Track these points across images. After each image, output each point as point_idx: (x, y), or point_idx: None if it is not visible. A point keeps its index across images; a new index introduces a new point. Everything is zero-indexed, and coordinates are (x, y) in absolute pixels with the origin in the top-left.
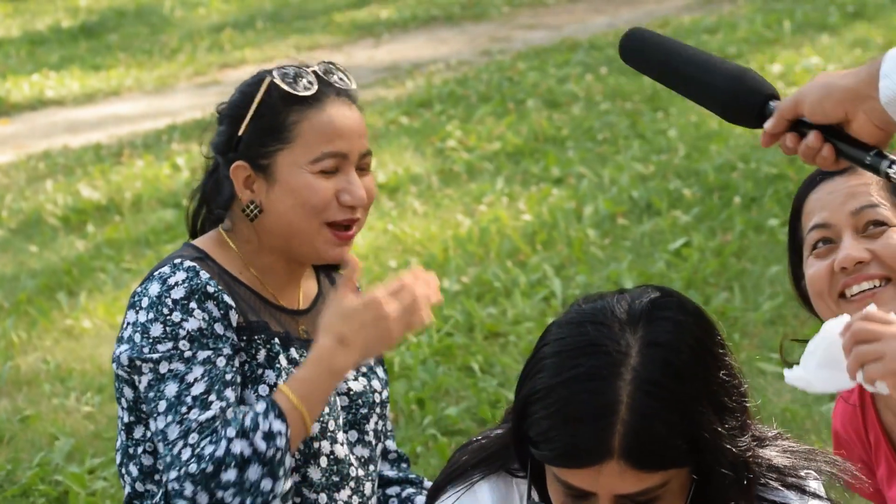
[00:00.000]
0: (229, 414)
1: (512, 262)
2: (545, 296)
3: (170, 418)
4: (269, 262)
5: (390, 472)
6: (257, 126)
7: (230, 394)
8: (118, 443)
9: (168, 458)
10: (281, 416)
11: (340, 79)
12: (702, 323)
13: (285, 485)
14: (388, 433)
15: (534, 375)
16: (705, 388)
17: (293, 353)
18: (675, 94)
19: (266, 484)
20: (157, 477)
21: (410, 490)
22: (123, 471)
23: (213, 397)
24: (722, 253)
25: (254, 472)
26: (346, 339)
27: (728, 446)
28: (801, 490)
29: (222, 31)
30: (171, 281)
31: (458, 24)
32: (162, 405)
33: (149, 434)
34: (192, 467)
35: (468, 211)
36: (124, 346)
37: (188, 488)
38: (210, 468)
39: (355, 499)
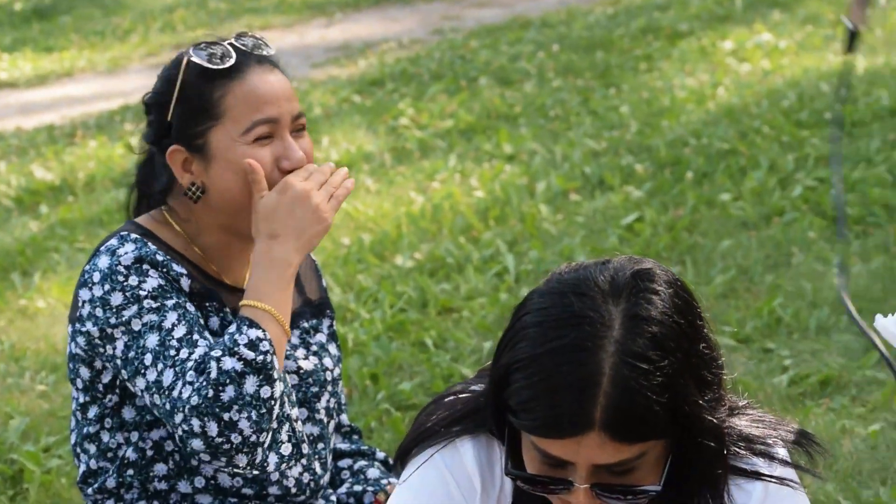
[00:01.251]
0: (203, 342)
1: (465, 238)
2: (498, 271)
3: (160, 366)
4: (212, 240)
5: (342, 445)
6: (184, 108)
7: (208, 335)
8: (72, 423)
9: (168, 405)
10: (253, 324)
11: (257, 45)
12: (683, 295)
13: (282, 386)
14: (342, 407)
15: (515, 345)
16: (686, 361)
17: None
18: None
19: (265, 391)
20: (110, 455)
21: (362, 462)
22: (79, 450)
23: (196, 336)
24: (674, 228)
25: (251, 383)
26: (274, 230)
27: (707, 417)
28: (770, 457)
29: (175, 11)
30: (120, 251)
31: (409, 2)
32: (148, 358)
33: (100, 412)
34: (194, 399)
35: (421, 188)
36: (88, 323)
37: (195, 423)
38: (210, 392)
39: (306, 476)
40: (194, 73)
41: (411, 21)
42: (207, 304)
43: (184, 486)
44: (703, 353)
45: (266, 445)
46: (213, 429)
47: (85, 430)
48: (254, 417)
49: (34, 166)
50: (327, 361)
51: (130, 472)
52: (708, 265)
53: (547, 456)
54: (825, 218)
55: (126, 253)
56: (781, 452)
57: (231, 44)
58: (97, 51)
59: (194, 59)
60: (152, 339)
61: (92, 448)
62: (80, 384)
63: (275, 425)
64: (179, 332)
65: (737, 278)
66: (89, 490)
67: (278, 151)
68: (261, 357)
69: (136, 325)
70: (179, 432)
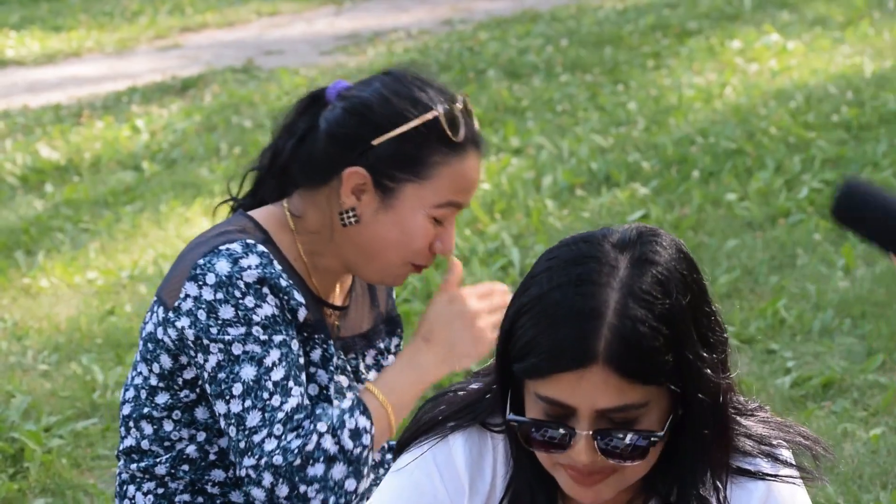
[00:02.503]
0: (318, 409)
1: (470, 230)
2: (503, 265)
3: (248, 403)
4: (326, 261)
5: None
6: (399, 149)
7: (303, 377)
8: (129, 394)
9: (243, 444)
10: (366, 412)
11: (477, 126)
12: (688, 255)
13: (366, 483)
14: None
15: (522, 293)
16: (690, 309)
17: (335, 358)
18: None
19: (350, 483)
20: (167, 444)
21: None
22: (131, 424)
23: (292, 383)
24: (679, 226)
25: (339, 470)
26: (431, 335)
27: (708, 372)
28: (774, 458)
29: None
30: (244, 263)
31: None
32: (237, 388)
33: (172, 402)
34: (278, 459)
35: None
36: (185, 321)
37: (268, 479)
38: (298, 461)
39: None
40: (432, 128)
41: (421, 11)
42: (316, 336)
43: (236, 497)
44: (706, 311)
45: None
46: (283, 491)
47: (145, 410)
48: (328, 501)
49: (40, 145)
50: None
51: (185, 467)
52: (713, 265)
53: (550, 403)
54: (830, 220)
55: (250, 268)
56: (786, 454)
57: (463, 111)
58: (105, 31)
59: (442, 121)
60: (248, 371)
61: (148, 429)
62: (156, 368)
63: None
64: (278, 374)
65: (741, 279)
66: (132, 465)
67: (440, 233)
68: (358, 450)
69: (237, 350)
70: (244, 474)
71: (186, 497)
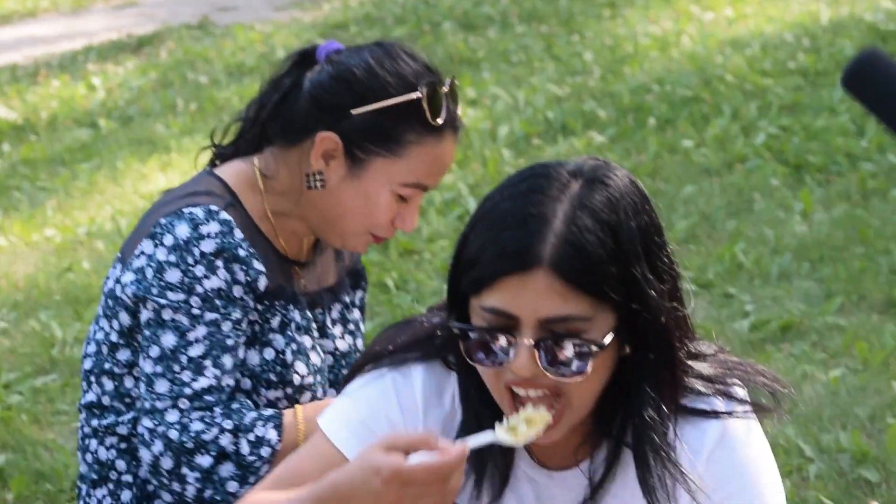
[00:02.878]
0: (234, 405)
1: None
2: (460, 214)
3: (159, 369)
4: (292, 222)
5: None
6: (375, 122)
7: (227, 361)
8: (90, 349)
9: (147, 405)
10: (279, 427)
11: (459, 111)
12: (643, 192)
13: (244, 491)
14: None
15: (475, 211)
16: (641, 235)
17: (297, 316)
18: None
19: (233, 486)
20: (128, 400)
21: None
22: (93, 379)
23: (208, 362)
24: (637, 173)
25: (226, 469)
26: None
27: (654, 295)
28: (728, 396)
29: None
30: (203, 230)
31: None
32: (154, 351)
33: (132, 359)
34: (174, 433)
35: None
36: (131, 277)
37: (158, 446)
38: (191, 444)
39: None
40: (413, 107)
41: None
42: (277, 303)
43: (199, 457)
44: (656, 241)
45: None
46: (166, 464)
47: (106, 366)
48: (205, 494)
49: None
50: (360, 342)
51: None
52: (670, 211)
53: (493, 313)
54: (788, 165)
55: (209, 236)
56: (740, 392)
57: (448, 94)
58: None
59: (424, 103)
60: (169, 339)
61: (109, 385)
62: (115, 325)
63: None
64: (196, 350)
65: (699, 224)
66: (93, 420)
67: (402, 211)
68: (253, 458)
69: (167, 315)
70: (140, 431)
71: None
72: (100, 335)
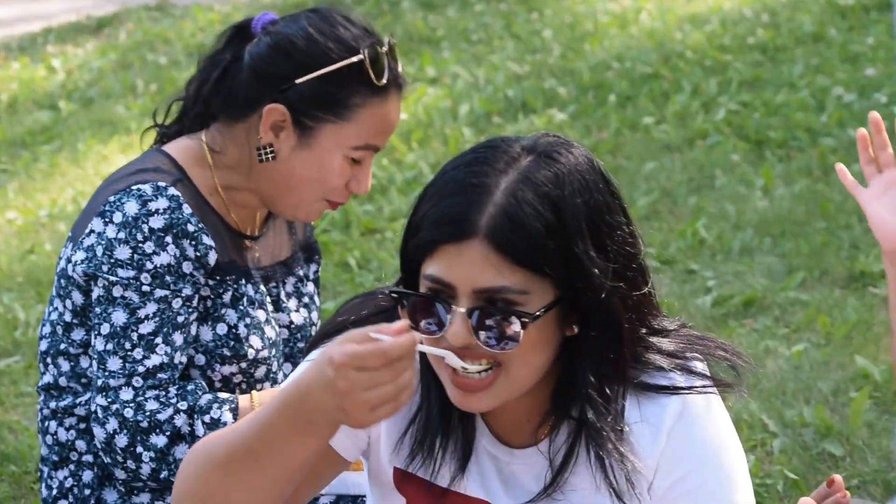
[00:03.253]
0: (189, 386)
1: (388, 159)
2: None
3: (110, 346)
4: (243, 195)
5: None
6: (321, 89)
7: (178, 337)
8: (45, 330)
9: (100, 383)
10: (234, 410)
11: (401, 69)
12: (600, 171)
13: None
14: None
15: (428, 183)
16: (588, 212)
17: (250, 290)
18: None
19: None
20: (84, 381)
21: None
22: (49, 360)
23: (159, 340)
24: (597, 150)
25: (181, 450)
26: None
27: (597, 273)
28: (688, 371)
29: None
30: (152, 206)
31: None
32: (105, 328)
33: (87, 338)
34: (129, 412)
35: None
36: (82, 255)
37: (112, 424)
38: (145, 424)
39: None
40: (355, 70)
41: None
42: (228, 278)
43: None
44: (607, 220)
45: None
46: (121, 442)
47: (62, 346)
48: (160, 474)
49: None
50: (314, 315)
51: None
52: (631, 187)
53: (432, 281)
54: (748, 141)
55: (157, 212)
56: (699, 366)
57: (388, 53)
58: None
59: (367, 64)
60: (119, 316)
61: (65, 365)
62: (69, 305)
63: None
64: (146, 328)
65: (660, 200)
66: (52, 402)
67: (356, 173)
68: None
69: (116, 293)
70: (93, 409)
71: None
72: (54, 316)
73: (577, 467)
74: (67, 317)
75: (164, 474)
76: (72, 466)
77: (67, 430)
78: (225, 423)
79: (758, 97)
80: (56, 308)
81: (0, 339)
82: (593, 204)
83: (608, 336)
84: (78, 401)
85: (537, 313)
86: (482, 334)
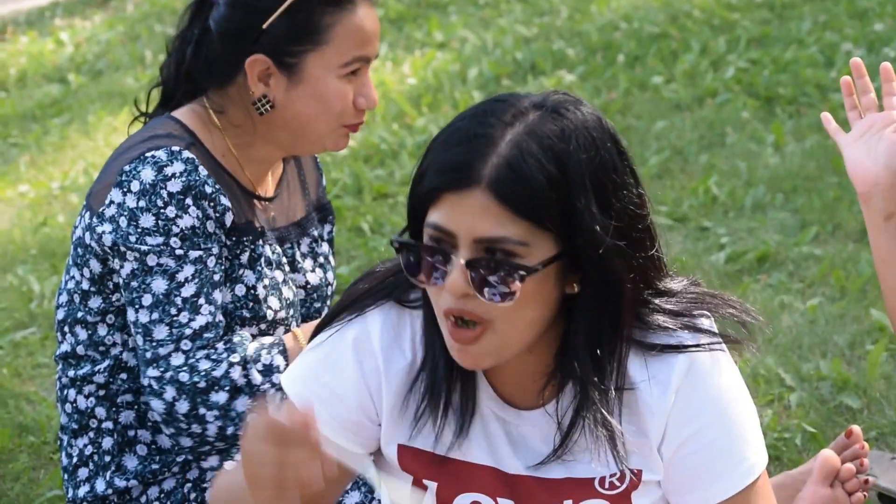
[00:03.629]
0: (235, 338)
1: (398, 124)
2: None
3: (155, 316)
4: (258, 150)
5: None
6: (289, 24)
7: (217, 296)
8: (62, 299)
9: (149, 355)
10: (284, 353)
11: None
12: (609, 129)
13: None
14: None
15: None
16: (593, 169)
17: (267, 251)
18: None
19: None
20: (102, 349)
21: None
22: (66, 329)
23: (202, 300)
24: (607, 110)
25: (242, 402)
26: None
27: (598, 230)
28: (695, 329)
29: None
30: (168, 171)
31: None
32: (147, 299)
33: (105, 307)
34: (184, 376)
35: None
36: (107, 226)
37: (170, 392)
38: (203, 384)
39: None
40: None
41: None
42: (244, 239)
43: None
44: (613, 178)
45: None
46: (182, 408)
47: (79, 315)
48: (227, 430)
49: None
50: (330, 275)
51: (124, 375)
52: (642, 147)
53: (434, 229)
54: (758, 98)
55: (174, 176)
56: (706, 322)
57: None
58: None
59: None
60: (160, 284)
61: (83, 334)
62: (87, 273)
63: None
64: (188, 290)
65: (671, 159)
66: (70, 371)
67: (358, 89)
68: (267, 386)
69: (152, 261)
70: (147, 383)
71: (129, 397)
72: (71, 284)
73: (584, 428)
74: (85, 285)
75: (230, 430)
76: (91, 434)
77: (87, 397)
78: (278, 367)
79: (766, 54)
80: (73, 277)
81: (15, 311)
82: (599, 161)
83: (609, 295)
84: (96, 368)
85: (536, 267)
86: (479, 286)
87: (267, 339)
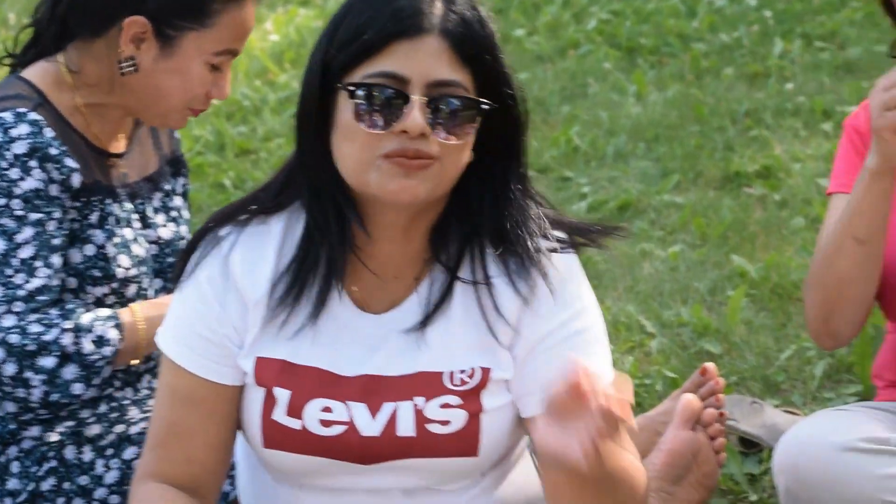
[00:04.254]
0: (70, 305)
1: (261, 81)
2: (294, 112)
3: None
4: (108, 110)
5: None
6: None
7: (56, 259)
8: None
9: None
10: (119, 326)
11: None
12: None
13: (93, 392)
14: None
15: (338, 11)
16: (495, 32)
17: (116, 209)
18: None
19: (78, 387)
20: None
21: None
22: None
23: (39, 263)
24: None
25: (70, 371)
26: None
27: (519, 95)
28: (550, 233)
29: None
30: (13, 132)
31: None
32: None
33: None
34: (14, 338)
35: None
36: None
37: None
38: (33, 347)
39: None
40: None
41: None
42: (94, 199)
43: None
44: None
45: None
46: (9, 370)
47: None
48: (51, 397)
49: None
50: (183, 229)
51: None
52: None
53: (383, 76)
54: (620, 49)
55: (20, 137)
56: (559, 233)
57: None
58: None
59: None
60: None
61: None
62: None
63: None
64: (26, 252)
65: (534, 110)
66: None
67: (216, 80)
68: (95, 357)
69: None
70: None
71: None
72: None
73: (449, 312)
74: None
75: (54, 397)
76: None
77: None
78: (110, 340)
79: (629, 5)
80: None
81: None
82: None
83: (496, 172)
84: None
85: (486, 105)
86: (437, 123)
87: (103, 311)
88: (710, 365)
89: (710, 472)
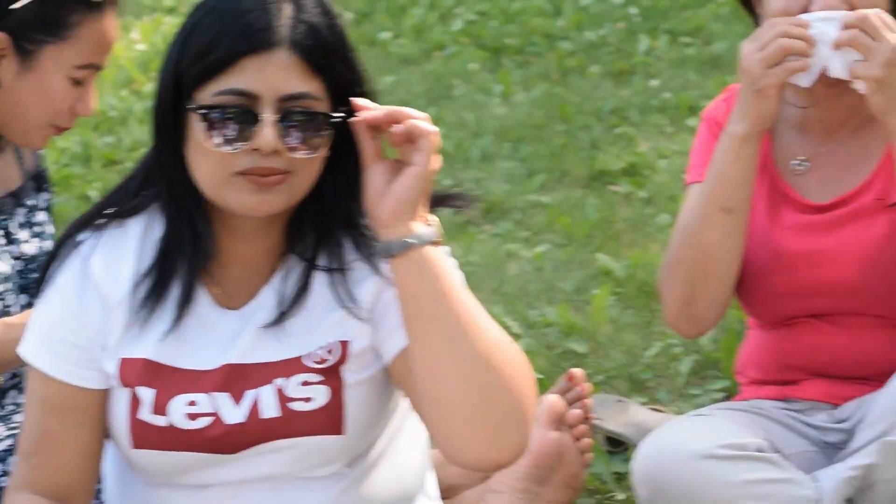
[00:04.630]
0: None
1: (127, 91)
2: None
3: None
4: None
5: None
6: (37, 12)
7: None
8: None
9: None
10: None
11: None
12: None
13: None
14: None
15: (192, 16)
16: (346, 31)
17: None
18: None
19: None
20: None
21: None
22: None
23: None
24: None
25: None
26: None
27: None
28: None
29: None
30: None
31: None
32: None
33: None
34: None
35: None
36: None
37: None
38: None
39: None
40: None
41: None
42: None
43: None
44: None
45: None
46: None
47: None
48: None
49: None
50: (48, 244)
51: None
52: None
53: (233, 94)
54: (486, 49)
55: None
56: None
57: None
58: None
59: None
60: None
61: None
62: None
63: None
64: None
65: None
66: None
67: (80, 95)
68: None
69: None
70: None
71: None
72: None
73: (308, 300)
74: None
75: None
76: None
77: None
78: None
79: (495, 6)
80: None
81: None
82: (344, 27)
83: (348, 169)
84: None
85: (339, 116)
86: (290, 139)
87: None
88: (576, 371)
89: (576, 472)
